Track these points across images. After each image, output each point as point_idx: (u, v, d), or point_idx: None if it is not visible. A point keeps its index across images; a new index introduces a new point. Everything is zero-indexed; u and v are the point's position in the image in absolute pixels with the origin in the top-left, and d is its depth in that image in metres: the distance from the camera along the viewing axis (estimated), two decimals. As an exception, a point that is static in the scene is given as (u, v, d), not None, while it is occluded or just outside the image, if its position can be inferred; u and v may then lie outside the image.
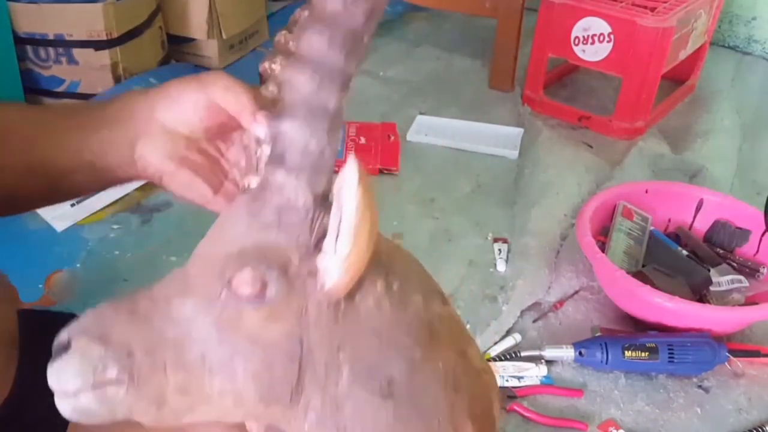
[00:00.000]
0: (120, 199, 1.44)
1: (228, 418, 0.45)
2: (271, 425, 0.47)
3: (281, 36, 0.45)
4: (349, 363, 0.43)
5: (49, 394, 0.42)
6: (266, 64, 0.46)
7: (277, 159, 0.42)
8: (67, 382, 0.41)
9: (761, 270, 1.27)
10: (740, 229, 1.32)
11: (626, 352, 1.10)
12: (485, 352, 1.15)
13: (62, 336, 0.42)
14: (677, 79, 1.93)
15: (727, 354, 1.12)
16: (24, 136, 0.58)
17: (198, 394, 0.43)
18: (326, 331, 0.43)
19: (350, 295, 0.43)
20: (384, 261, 0.45)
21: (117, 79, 1.75)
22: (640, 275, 1.18)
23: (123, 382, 0.41)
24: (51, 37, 1.69)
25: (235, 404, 0.43)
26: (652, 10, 1.65)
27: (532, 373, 1.11)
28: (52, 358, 0.42)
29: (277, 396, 0.43)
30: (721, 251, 1.32)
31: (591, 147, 1.72)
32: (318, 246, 0.42)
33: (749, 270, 1.27)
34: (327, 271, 0.42)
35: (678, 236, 1.35)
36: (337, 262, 0.41)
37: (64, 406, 0.42)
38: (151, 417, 0.43)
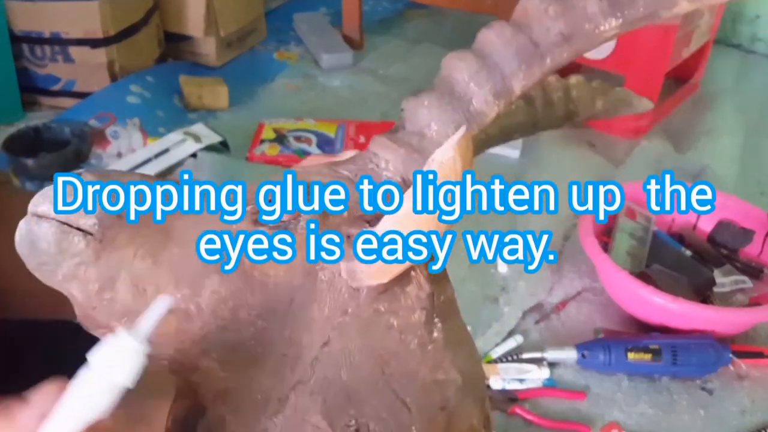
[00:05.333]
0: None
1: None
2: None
3: None
4: (330, 367, 0.36)
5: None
6: None
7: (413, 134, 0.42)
8: (41, 204, 0.37)
9: (765, 270, 1.25)
10: (744, 229, 1.30)
11: (629, 353, 1.09)
12: (486, 354, 1.13)
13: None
14: (681, 77, 1.91)
15: (731, 356, 1.11)
16: None
17: (153, 293, 0.37)
18: (332, 308, 0.36)
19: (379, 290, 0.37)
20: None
21: (113, 78, 1.74)
22: (643, 276, 1.17)
23: (90, 238, 0.36)
24: (47, 36, 1.67)
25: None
26: (655, 7, 1.63)
27: (534, 376, 1.10)
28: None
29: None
30: (725, 252, 1.30)
31: (593, 146, 1.71)
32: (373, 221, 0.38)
33: (753, 270, 1.26)
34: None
35: (682, 236, 1.34)
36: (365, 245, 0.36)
37: (21, 226, 0.37)
38: (85, 296, 0.37)
